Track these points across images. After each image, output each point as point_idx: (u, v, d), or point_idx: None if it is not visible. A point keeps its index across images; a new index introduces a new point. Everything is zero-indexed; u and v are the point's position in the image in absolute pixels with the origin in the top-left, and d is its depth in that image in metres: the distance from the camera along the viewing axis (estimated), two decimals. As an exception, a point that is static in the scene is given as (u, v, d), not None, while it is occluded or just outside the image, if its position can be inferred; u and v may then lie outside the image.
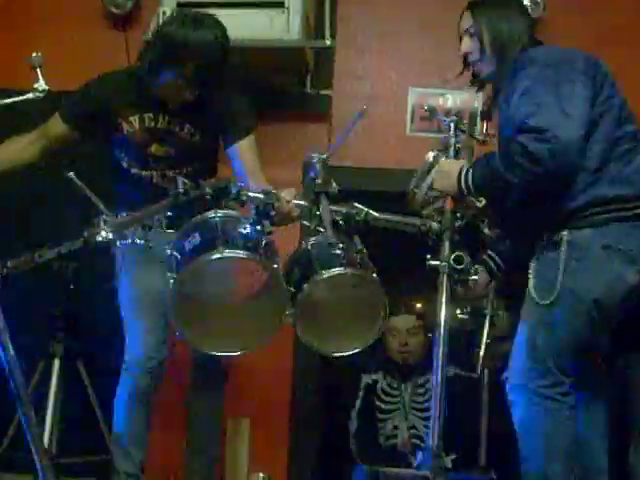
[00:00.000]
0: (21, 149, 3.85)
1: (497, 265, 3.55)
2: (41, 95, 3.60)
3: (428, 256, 2.97)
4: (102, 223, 2.95)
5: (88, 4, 5.11)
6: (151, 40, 3.72)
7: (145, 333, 3.65)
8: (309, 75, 4.95)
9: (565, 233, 3.06)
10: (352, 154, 4.80)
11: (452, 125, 3.44)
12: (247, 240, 3.01)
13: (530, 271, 3.18)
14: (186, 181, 2.95)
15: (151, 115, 3.74)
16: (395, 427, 4.77)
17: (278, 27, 4.29)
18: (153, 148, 3.78)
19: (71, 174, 3.44)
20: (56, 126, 3.84)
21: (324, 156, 3.21)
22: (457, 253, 2.93)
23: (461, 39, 3.49)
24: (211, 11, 4.22)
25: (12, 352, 3.25)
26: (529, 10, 3.94)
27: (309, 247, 3.21)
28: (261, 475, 4.79)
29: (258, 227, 3.02)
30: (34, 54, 3.64)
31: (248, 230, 2.99)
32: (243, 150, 3.82)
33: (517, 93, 3.10)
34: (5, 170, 3.80)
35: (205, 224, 3.12)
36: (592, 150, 3.06)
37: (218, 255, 2.91)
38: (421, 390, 4.76)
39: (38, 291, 3.91)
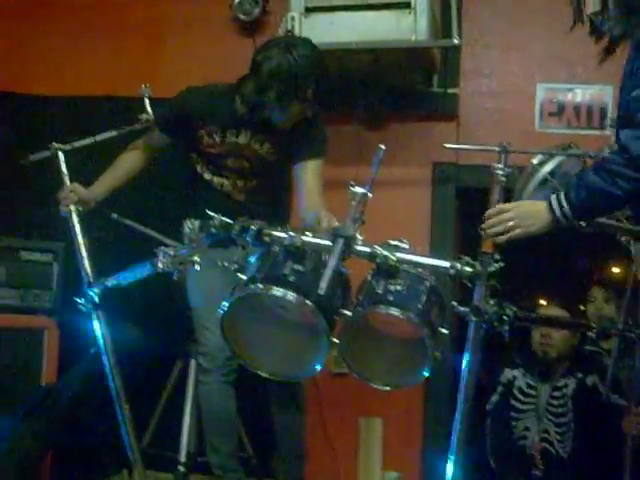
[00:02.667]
0: (135, 163, 4.10)
1: None
2: (146, 125, 3.79)
3: (454, 303, 2.82)
4: (161, 255, 3.11)
5: (216, 11, 5.20)
6: (262, 80, 3.67)
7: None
8: (436, 74, 4.94)
9: None
10: (481, 152, 4.77)
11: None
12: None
13: None
14: (219, 220, 2.96)
15: (233, 131, 3.88)
16: (526, 428, 4.70)
17: (405, 28, 4.28)
18: (229, 161, 3.94)
19: (115, 215, 3.59)
20: (155, 135, 4.05)
21: (365, 191, 2.77)
22: (475, 304, 2.71)
23: None
24: (338, 14, 4.29)
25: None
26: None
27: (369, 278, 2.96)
28: (393, 474, 4.81)
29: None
30: (143, 86, 3.79)
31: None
32: (308, 170, 3.89)
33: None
34: (121, 184, 4.05)
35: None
36: None
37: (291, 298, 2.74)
38: (558, 394, 4.67)
39: (176, 291, 4.00)
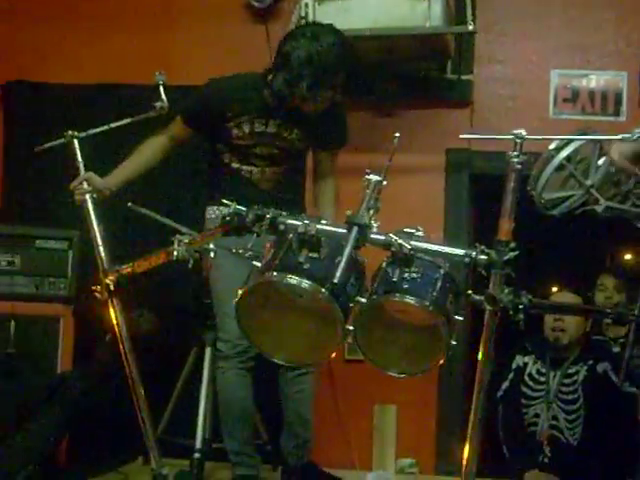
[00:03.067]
0: (154, 155, 4.07)
1: None
2: (160, 112, 3.79)
3: (469, 292, 2.79)
4: (176, 243, 3.12)
5: (229, -2, 5.22)
6: (293, 71, 3.71)
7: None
8: (450, 61, 4.93)
9: None
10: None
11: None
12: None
13: None
14: (234, 208, 2.96)
15: (262, 120, 3.91)
16: (536, 415, 4.70)
17: (419, 14, 4.28)
18: (258, 149, 3.97)
19: (130, 204, 3.60)
20: (179, 128, 4.05)
21: (379, 178, 2.75)
22: (489, 292, 2.67)
23: None
24: (352, 1, 4.29)
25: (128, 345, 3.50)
26: None
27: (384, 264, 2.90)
28: (408, 460, 4.82)
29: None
30: (157, 73, 3.79)
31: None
32: (329, 158, 4.11)
33: None
34: (140, 174, 4.04)
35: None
36: None
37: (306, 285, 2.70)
38: (568, 380, 4.66)
39: (192, 280, 4.02)
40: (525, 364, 4.81)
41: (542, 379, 4.72)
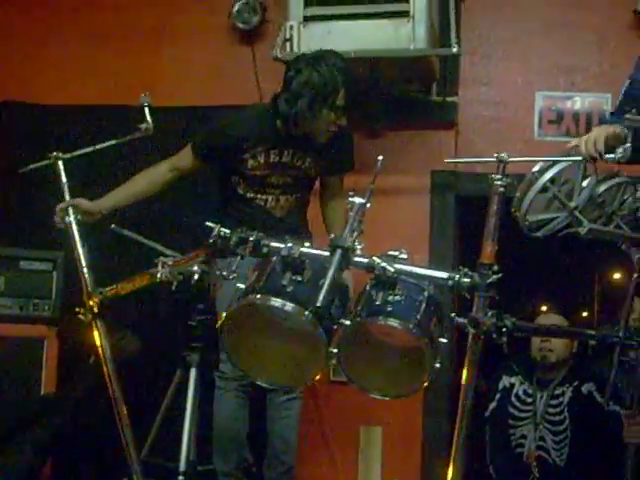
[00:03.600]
0: (150, 186, 4.06)
1: None
2: (145, 135, 3.79)
3: (452, 315, 2.79)
4: (160, 265, 3.14)
5: (215, 20, 5.22)
6: (293, 91, 3.80)
7: None
8: (435, 83, 4.95)
9: None
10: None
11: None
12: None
13: None
14: (218, 230, 2.96)
15: (276, 151, 3.95)
16: (523, 436, 4.71)
17: (403, 36, 4.29)
18: (273, 179, 4.00)
19: (113, 226, 3.60)
20: (188, 160, 4.06)
21: (363, 201, 2.74)
22: (472, 315, 2.69)
23: None
24: (337, 23, 4.31)
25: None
26: None
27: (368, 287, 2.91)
28: (394, 481, 4.81)
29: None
30: (142, 95, 3.80)
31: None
32: (338, 180, 4.17)
33: None
34: (130, 203, 4.04)
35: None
36: None
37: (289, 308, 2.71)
38: (555, 402, 4.68)
39: (176, 301, 4.00)
40: (512, 385, 4.82)
41: (529, 400, 4.73)
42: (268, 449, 4.14)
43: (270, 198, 4.02)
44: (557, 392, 4.69)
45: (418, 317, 2.77)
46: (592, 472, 4.49)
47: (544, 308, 5.07)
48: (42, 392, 4.45)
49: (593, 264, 7.16)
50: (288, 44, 4.35)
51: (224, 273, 2.95)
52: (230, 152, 3.95)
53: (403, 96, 4.94)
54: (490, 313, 2.68)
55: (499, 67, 5.07)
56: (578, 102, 4.98)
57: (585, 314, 8.56)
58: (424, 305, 2.82)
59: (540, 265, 6.62)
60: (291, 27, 4.36)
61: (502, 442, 4.78)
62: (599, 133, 3.20)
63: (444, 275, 2.77)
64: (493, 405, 4.86)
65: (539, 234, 3.35)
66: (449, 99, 4.98)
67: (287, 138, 3.92)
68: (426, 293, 2.85)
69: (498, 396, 4.84)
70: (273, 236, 2.91)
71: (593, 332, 3.52)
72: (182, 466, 4.00)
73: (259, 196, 4.01)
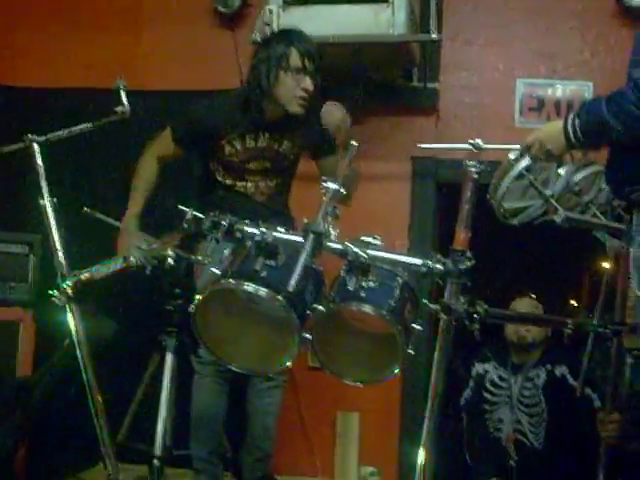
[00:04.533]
0: (154, 178, 4.04)
1: None
2: (122, 117, 3.75)
3: (424, 301, 2.83)
4: (134, 250, 3.17)
5: (196, 3, 5.20)
6: (253, 67, 3.86)
7: None
8: (416, 68, 4.94)
9: None
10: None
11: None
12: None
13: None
14: (191, 214, 2.94)
15: (252, 135, 3.92)
16: (500, 420, 4.73)
17: (383, 22, 4.28)
18: (252, 164, 3.98)
19: (86, 209, 3.57)
20: (168, 148, 4.02)
21: (337, 186, 2.75)
22: (443, 300, 2.72)
23: None
24: (317, 7, 4.31)
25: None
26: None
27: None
28: (370, 468, 4.82)
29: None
30: (117, 79, 3.76)
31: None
32: (333, 162, 4.06)
33: None
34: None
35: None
36: None
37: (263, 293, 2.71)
38: (529, 384, 4.68)
39: (153, 285, 3.99)
40: (486, 371, 4.82)
41: (504, 384, 4.74)
42: (247, 435, 4.14)
43: (250, 185, 4.00)
44: (531, 375, 4.70)
45: (392, 303, 2.77)
46: (569, 453, 4.52)
47: (518, 294, 5.05)
48: (17, 375, 4.44)
49: (582, 253, 7.17)
50: (268, 28, 4.32)
51: (200, 257, 2.95)
52: (207, 139, 3.93)
53: (384, 82, 4.92)
54: (462, 300, 2.68)
55: (480, 53, 5.06)
56: (559, 89, 4.97)
57: (574, 303, 8.61)
58: (398, 291, 2.82)
59: (530, 254, 6.64)
60: (270, 11, 4.35)
61: (479, 427, 4.79)
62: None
63: (417, 261, 2.77)
64: (468, 393, 4.87)
65: (515, 222, 3.37)
66: (430, 85, 4.97)
67: (261, 122, 3.89)
68: (400, 279, 2.85)
69: (472, 383, 4.85)
70: (255, 220, 2.89)
71: (567, 320, 3.51)
72: (157, 450, 4.02)
73: (238, 183, 3.99)
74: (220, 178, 4.00)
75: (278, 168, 4.02)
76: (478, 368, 4.85)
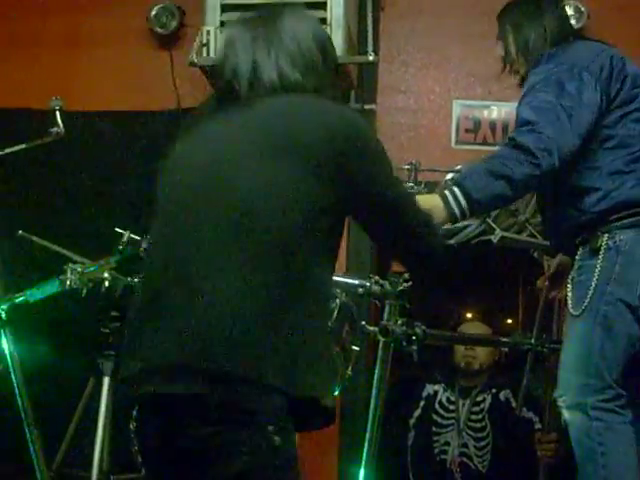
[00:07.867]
0: None
1: None
2: (57, 138, 3.72)
3: (363, 323, 2.85)
4: (69, 272, 3.11)
5: (132, 24, 5.14)
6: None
7: None
8: (353, 90, 4.95)
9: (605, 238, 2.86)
10: (399, 170, 4.78)
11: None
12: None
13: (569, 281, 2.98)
14: (128, 237, 2.94)
15: None
16: (447, 443, 4.73)
17: (321, 43, 4.29)
18: None
19: (20, 232, 3.54)
20: None
21: None
22: (383, 323, 2.74)
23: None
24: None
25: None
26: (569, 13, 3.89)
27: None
28: (310, 489, 4.78)
29: None
30: (54, 98, 3.73)
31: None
32: None
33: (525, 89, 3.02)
34: None
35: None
36: (615, 152, 2.92)
37: None
38: (476, 409, 4.71)
39: (89, 308, 3.95)
40: (435, 392, 4.84)
41: (452, 407, 4.76)
42: None
43: None
44: (478, 399, 4.73)
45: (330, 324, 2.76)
46: (513, 476, 4.54)
47: (469, 316, 5.08)
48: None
49: (517, 272, 7.23)
50: (205, 49, 4.31)
51: (137, 280, 2.93)
52: None
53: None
54: (400, 321, 2.69)
55: (417, 75, 5.08)
56: (495, 111, 5.01)
57: (510, 321, 8.71)
58: (335, 312, 2.81)
59: (467, 274, 6.68)
60: (208, 32, 4.33)
61: (425, 449, 4.79)
62: None
63: (355, 282, 2.77)
64: (417, 412, 4.87)
65: (452, 242, 3.38)
66: (367, 107, 4.97)
67: None
68: (338, 300, 2.85)
69: (422, 403, 4.86)
70: None
71: (506, 339, 3.55)
72: (94, 476, 3.96)
73: None
74: None
75: None
76: (429, 389, 4.87)
